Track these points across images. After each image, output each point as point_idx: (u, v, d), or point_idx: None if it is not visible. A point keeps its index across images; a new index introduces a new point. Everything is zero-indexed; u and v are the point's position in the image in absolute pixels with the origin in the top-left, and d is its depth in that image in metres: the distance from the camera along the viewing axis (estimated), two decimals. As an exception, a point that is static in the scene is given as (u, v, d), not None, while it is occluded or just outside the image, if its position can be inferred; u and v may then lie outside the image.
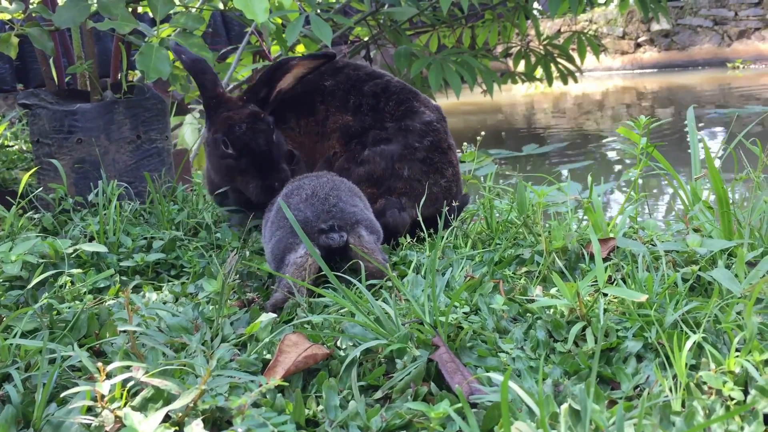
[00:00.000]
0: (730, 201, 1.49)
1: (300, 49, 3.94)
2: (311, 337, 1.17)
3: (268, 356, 1.14)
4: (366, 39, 4.73)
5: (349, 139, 1.94)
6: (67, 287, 1.49)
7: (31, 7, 2.51)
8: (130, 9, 2.42)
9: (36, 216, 2.03)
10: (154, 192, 2.01)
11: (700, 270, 1.32)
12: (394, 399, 1.03)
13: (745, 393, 0.94)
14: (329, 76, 2.01)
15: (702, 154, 1.78)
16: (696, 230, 1.58)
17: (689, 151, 1.89)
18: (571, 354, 1.12)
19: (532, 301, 1.31)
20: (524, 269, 1.51)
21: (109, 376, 0.95)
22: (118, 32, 2.20)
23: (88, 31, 2.45)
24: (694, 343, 1.03)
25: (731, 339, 1.03)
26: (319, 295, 1.41)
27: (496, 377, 1.01)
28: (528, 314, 1.27)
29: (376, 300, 1.26)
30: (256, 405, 0.99)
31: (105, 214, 1.83)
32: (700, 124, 5.26)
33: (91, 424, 0.92)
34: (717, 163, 1.64)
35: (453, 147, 1.99)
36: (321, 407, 1.00)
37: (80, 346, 1.18)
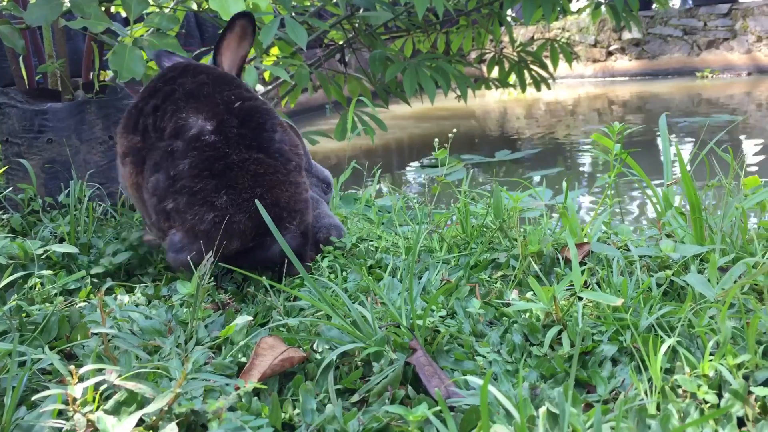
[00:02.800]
0: (702, 207, 1.52)
1: (274, 51, 3.92)
2: (287, 340, 1.16)
3: (244, 359, 1.13)
4: (341, 43, 4.73)
5: (140, 164, 1.57)
6: (36, 289, 1.46)
7: (1, 4, 2.47)
8: (103, 8, 2.39)
9: (4, 217, 1.99)
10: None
11: (673, 275, 1.34)
12: (371, 402, 1.03)
13: (719, 396, 0.95)
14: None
15: (674, 161, 1.80)
16: (669, 236, 1.60)
17: (661, 158, 1.91)
18: (547, 358, 1.12)
19: (509, 305, 1.31)
20: (500, 273, 1.52)
21: (81, 379, 0.93)
22: (90, 31, 2.17)
23: (60, 30, 2.41)
24: (668, 347, 1.04)
25: (705, 343, 1.04)
26: (296, 298, 1.40)
27: (474, 380, 1.00)
28: (504, 318, 1.28)
29: (353, 303, 1.25)
30: (231, 408, 0.98)
31: (76, 215, 1.80)
32: (672, 135, 5.34)
33: (62, 428, 0.90)
34: (688, 169, 1.66)
35: (249, 162, 1.49)
36: (297, 411, 0.99)
37: (51, 349, 1.16)
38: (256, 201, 1.31)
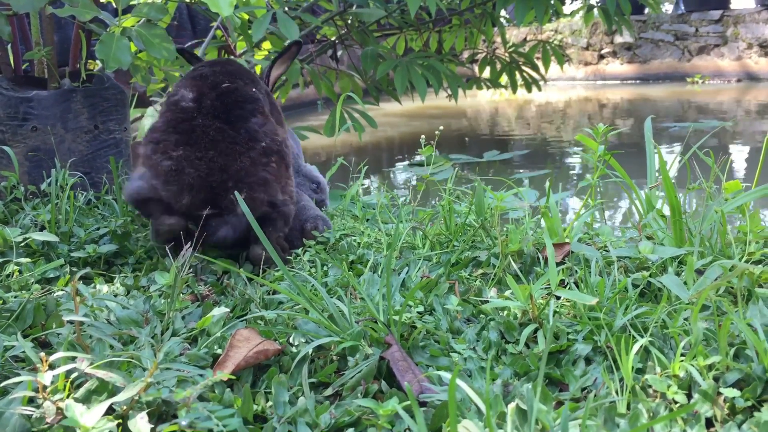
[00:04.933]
0: (683, 210, 1.53)
1: (266, 46, 3.91)
2: (263, 332, 1.16)
3: (219, 351, 1.13)
4: (333, 39, 4.72)
5: None
6: (14, 276, 1.45)
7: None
8: (91, -3, 2.38)
9: (-14, 204, 1.98)
10: (117, 179, 1.98)
11: (650, 276, 1.35)
12: (345, 396, 1.03)
13: (689, 396, 0.96)
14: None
15: (657, 164, 1.81)
16: (649, 238, 1.61)
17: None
18: (522, 355, 1.13)
19: (487, 302, 1.31)
20: (480, 271, 1.52)
21: (52, 366, 0.92)
22: (78, 20, 2.16)
23: (48, 17, 2.40)
24: (641, 347, 1.05)
25: (677, 344, 1.05)
26: (274, 292, 1.40)
27: (447, 376, 1.01)
28: (482, 315, 1.28)
29: (332, 298, 1.25)
30: (204, 399, 0.98)
31: (57, 204, 1.79)
32: (662, 138, 5.36)
33: (32, 415, 0.89)
34: (673, 173, 1.67)
35: (210, 128, 1.64)
36: (270, 403, 0.99)
37: (25, 337, 1.15)
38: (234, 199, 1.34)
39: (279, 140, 1.71)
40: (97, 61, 2.85)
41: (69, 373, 0.94)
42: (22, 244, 1.60)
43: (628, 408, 0.94)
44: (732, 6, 9.95)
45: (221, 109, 1.67)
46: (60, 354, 0.95)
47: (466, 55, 6.31)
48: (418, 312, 1.27)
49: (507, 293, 1.34)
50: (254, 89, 1.79)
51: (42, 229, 1.76)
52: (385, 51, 4.58)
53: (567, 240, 1.58)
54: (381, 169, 5.03)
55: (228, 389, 1.00)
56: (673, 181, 1.57)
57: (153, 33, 2.14)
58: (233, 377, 1.03)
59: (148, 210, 1.61)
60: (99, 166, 2.25)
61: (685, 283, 1.25)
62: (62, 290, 1.42)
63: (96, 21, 2.28)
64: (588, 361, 1.10)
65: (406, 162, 5.17)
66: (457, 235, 1.71)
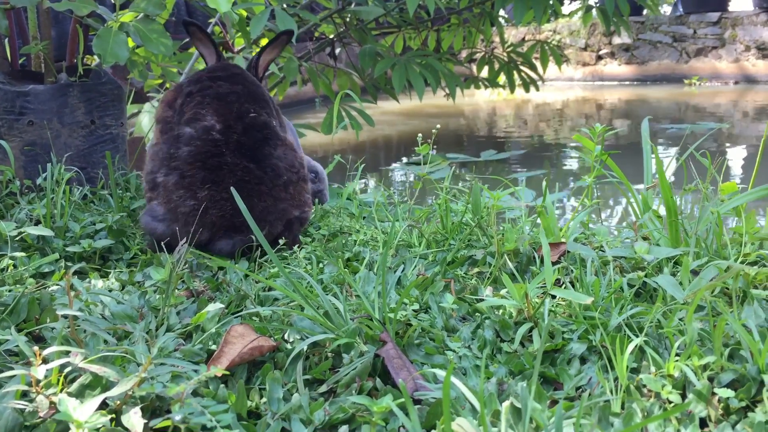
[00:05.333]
0: (680, 211, 1.53)
1: (264, 42, 3.91)
2: (258, 329, 1.16)
3: (214, 347, 1.13)
4: (331, 36, 4.71)
5: (164, 133, 1.77)
6: (8, 270, 1.45)
7: (-14, -17, 2.44)
8: (89, -9, 2.37)
9: (-19, 198, 1.98)
10: (112, 174, 1.97)
11: (646, 276, 1.35)
12: (339, 393, 1.03)
13: (683, 397, 0.96)
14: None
15: (654, 165, 1.81)
16: (645, 238, 1.61)
17: (647, 162, 1.92)
18: (517, 354, 1.13)
19: (482, 300, 1.31)
20: (476, 270, 1.52)
21: (45, 360, 0.92)
22: (76, 14, 2.15)
23: (45, 11, 2.39)
24: (636, 346, 1.05)
25: (672, 344, 1.05)
26: (270, 288, 1.40)
27: (442, 374, 1.01)
28: (477, 314, 1.28)
29: (327, 295, 1.25)
30: (198, 395, 0.97)
31: (53, 198, 1.78)
32: (660, 140, 5.37)
33: (25, 409, 0.89)
34: (670, 174, 1.68)
35: (238, 167, 1.64)
36: (264, 399, 0.99)
37: (19, 331, 1.15)
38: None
39: (297, 166, 1.75)
40: (95, 56, 2.84)
41: (63, 367, 0.94)
42: (17, 239, 1.60)
43: (623, 407, 0.94)
44: (730, 8, 9.96)
45: (249, 146, 1.67)
46: (54, 348, 0.95)
47: (464, 54, 6.30)
48: (413, 310, 1.26)
49: (502, 292, 1.34)
50: (267, 111, 1.78)
51: (37, 223, 1.75)
52: (383, 49, 4.58)
53: (563, 239, 1.58)
54: (378, 167, 5.03)
55: (222, 385, 1.00)
56: (669, 182, 1.58)
57: (151, 28, 2.13)
58: (227, 373, 1.03)
59: (165, 243, 1.63)
60: (95, 161, 2.24)
61: (680, 283, 1.25)
62: (57, 285, 1.42)
63: (93, 16, 2.27)
64: (583, 360, 1.10)
65: (404, 160, 5.17)
66: (453, 234, 1.71)
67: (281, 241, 1.63)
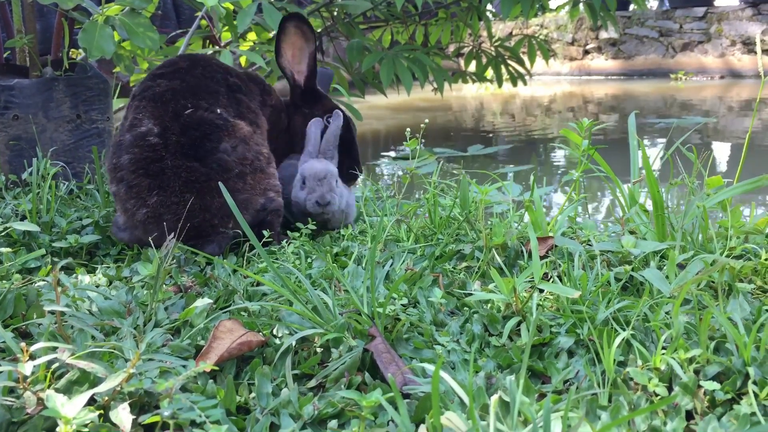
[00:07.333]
0: (666, 205, 1.54)
1: (251, 36, 3.89)
2: (247, 324, 1.16)
3: (202, 342, 1.13)
4: (319, 31, 4.70)
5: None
6: (-6, 266, 1.44)
7: (-31, -24, 2.41)
8: (74, -16, 2.35)
9: (-34, 193, 1.96)
10: (98, 169, 1.96)
11: (632, 270, 1.36)
12: (328, 388, 1.03)
13: (670, 389, 0.96)
14: None
15: (641, 159, 1.82)
16: (631, 232, 1.62)
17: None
18: (505, 348, 1.13)
19: (471, 295, 1.32)
20: (464, 264, 1.52)
21: (32, 357, 0.92)
22: (61, 8, 2.13)
23: (30, 5, 2.37)
24: (623, 340, 1.06)
25: (659, 337, 1.05)
26: (258, 283, 1.40)
27: (431, 368, 1.01)
28: (465, 308, 1.28)
29: (316, 290, 1.25)
30: (186, 390, 0.97)
31: (39, 193, 1.77)
32: (646, 134, 5.39)
33: (12, 405, 0.89)
34: (656, 168, 1.68)
35: (181, 169, 1.61)
36: (253, 394, 0.99)
37: (5, 327, 1.14)
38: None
39: (250, 158, 1.70)
40: (80, 50, 2.82)
41: (50, 363, 0.93)
42: (3, 234, 1.59)
43: (610, 400, 0.95)
44: (716, 3, 10.01)
45: (188, 145, 1.63)
46: (41, 344, 0.94)
47: (452, 48, 6.30)
48: (402, 304, 1.27)
49: (491, 286, 1.34)
50: (208, 105, 1.72)
51: (23, 218, 1.74)
52: (371, 43, 4.57)
53: (551, 234, 1.59)
54: (366, 161, 5.02)
55: (211, 380, 1.00)
56: (656, 176, 1.59)
57: (137, 22, 2.12)
58: (216, 368, 1.03)
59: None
60: (81, 155, 2.23)
61: (666, 277, 1.26)
62: (43, 280, 1.41)
63: (79, 9, 2.26)
64: (570, 353, 1.11)
65: (392, 155, 5.17)
66: (441, 229, 1.72)
67: (265, 233, 1.63)
